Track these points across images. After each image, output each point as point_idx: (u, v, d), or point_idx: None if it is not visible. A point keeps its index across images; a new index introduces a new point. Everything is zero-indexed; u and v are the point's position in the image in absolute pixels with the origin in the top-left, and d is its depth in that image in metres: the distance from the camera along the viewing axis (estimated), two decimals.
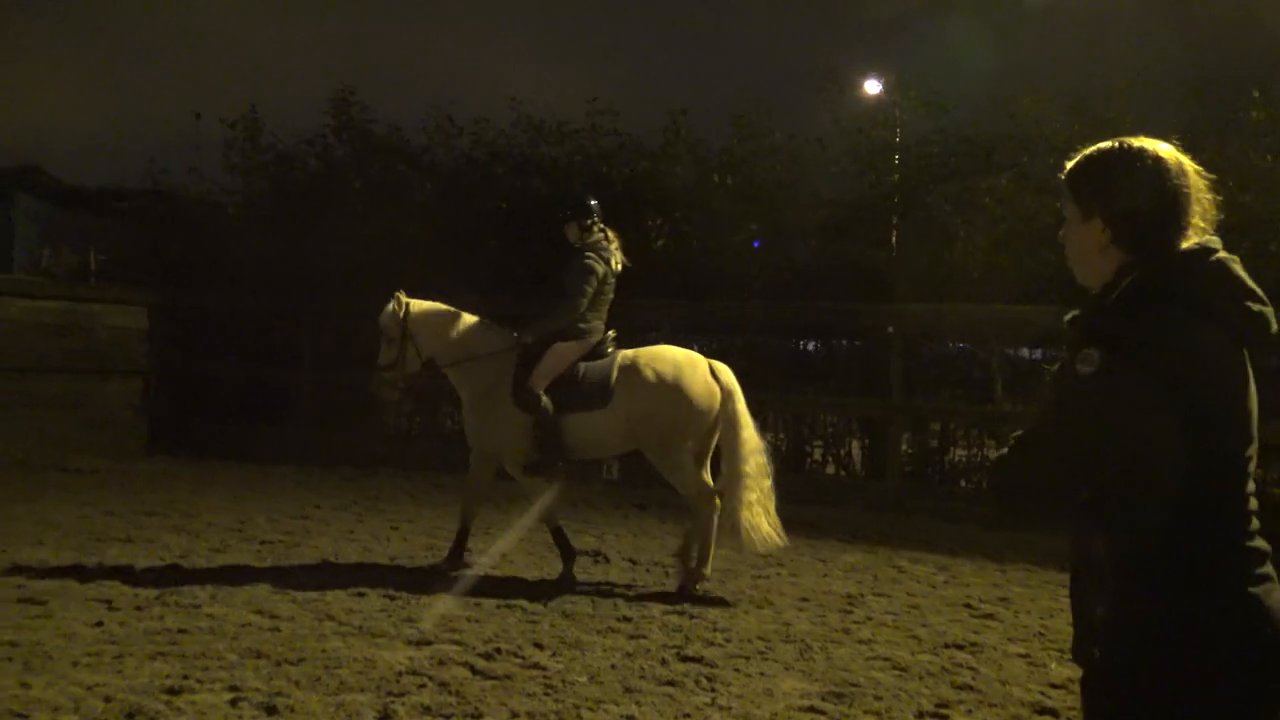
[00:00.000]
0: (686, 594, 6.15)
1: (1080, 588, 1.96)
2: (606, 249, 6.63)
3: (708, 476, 6.59)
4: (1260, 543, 1.84)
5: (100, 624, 5.10)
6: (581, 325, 6.53)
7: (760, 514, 6.24)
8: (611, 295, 6.68)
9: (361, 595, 5.89)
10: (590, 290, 6.48)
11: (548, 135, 12.66)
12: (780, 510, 6.36)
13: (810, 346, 12.08)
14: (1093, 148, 2.03)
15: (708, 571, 6.35)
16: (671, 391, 6.33)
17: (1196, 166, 1.96)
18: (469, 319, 6.79)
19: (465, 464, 6.98)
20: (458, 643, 5.04)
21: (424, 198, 13.10)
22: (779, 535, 6.26)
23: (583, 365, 6.49)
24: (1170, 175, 1.92)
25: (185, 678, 4.33)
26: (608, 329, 6.69)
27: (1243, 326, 1.84)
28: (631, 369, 6.42)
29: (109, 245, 14.64)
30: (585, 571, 6.79)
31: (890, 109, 11.79)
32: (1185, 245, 1.91)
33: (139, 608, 5.43)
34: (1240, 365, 1.84)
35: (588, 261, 6.53)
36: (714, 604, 6.06)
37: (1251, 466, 1.84)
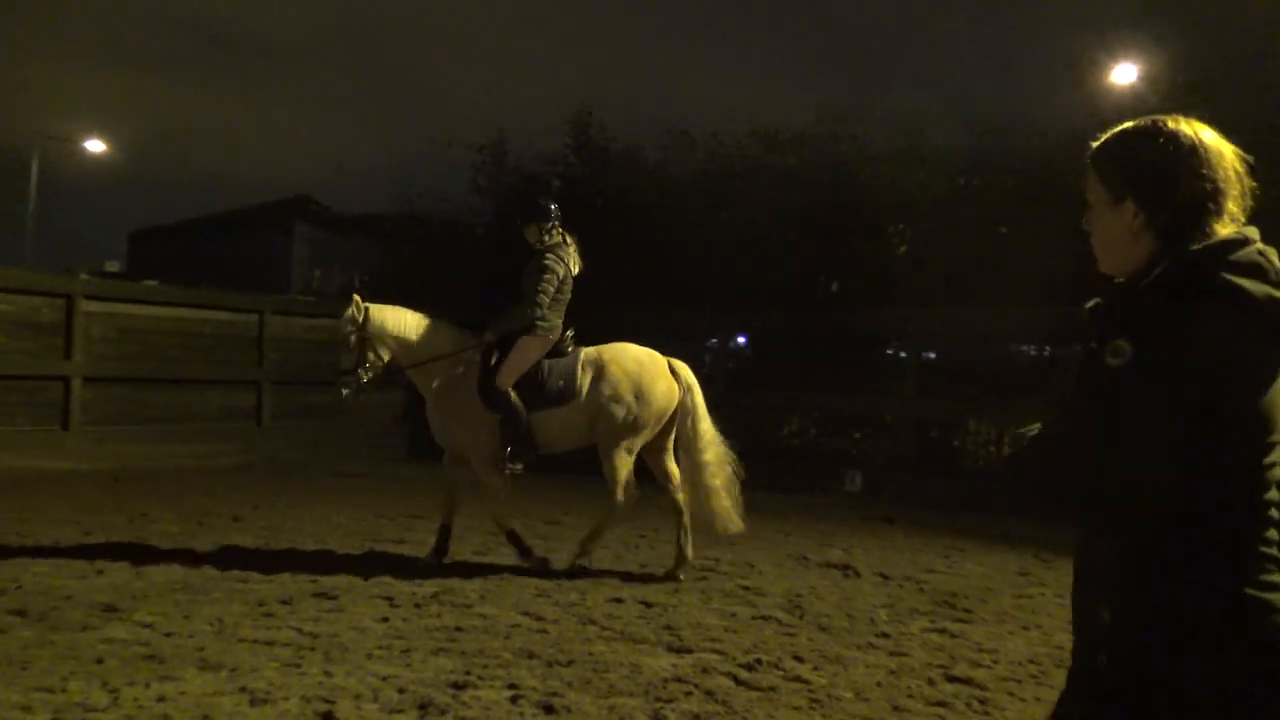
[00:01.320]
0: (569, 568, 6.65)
1: (1084, 590, 1.86)
2: (566, 251, 6.87)
3: (672, 465, 6.97)
4: (1276, 549, 1.71)
5: (386, 619, 5.46)
6: (542, 324, 6.74)
7: (723, 498, 6.78)
8: (569, 296, 6.90)
9: (619, 601, 6.04)
10: (551, 290, 6.74)
11: (783, 144, 12.62)
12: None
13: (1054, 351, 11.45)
14: (1125, 125, 1.87)
15: (590, 547, 6.84)
16: (634, 387, 6.74)
17: (1236, 149, 1.81)
18: (429, 320, 7.01)
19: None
20: (718, 652, 5.07)
21: (660, 213, 13.36)
22: (739, 519, 6.79)
23: (546, 363, 6.75)
24: (1210, 158, 1.78)
25: (467, 673, 4.57)
26: (566, 328, 6.90)
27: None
28: (596, 366, 6.80)
29: (371, 266, 15.77)
30: (837, 586, 6.69)
31: (1145, 98, 11.02)
32: (1222, 233, 1.76)
33: (418, 605, 5.79)
34: (1274, 362, 1.69)
35: (548, 262, 6.77)
36: (976, 623, 5.83)
37: (1278, 473, 1.71)
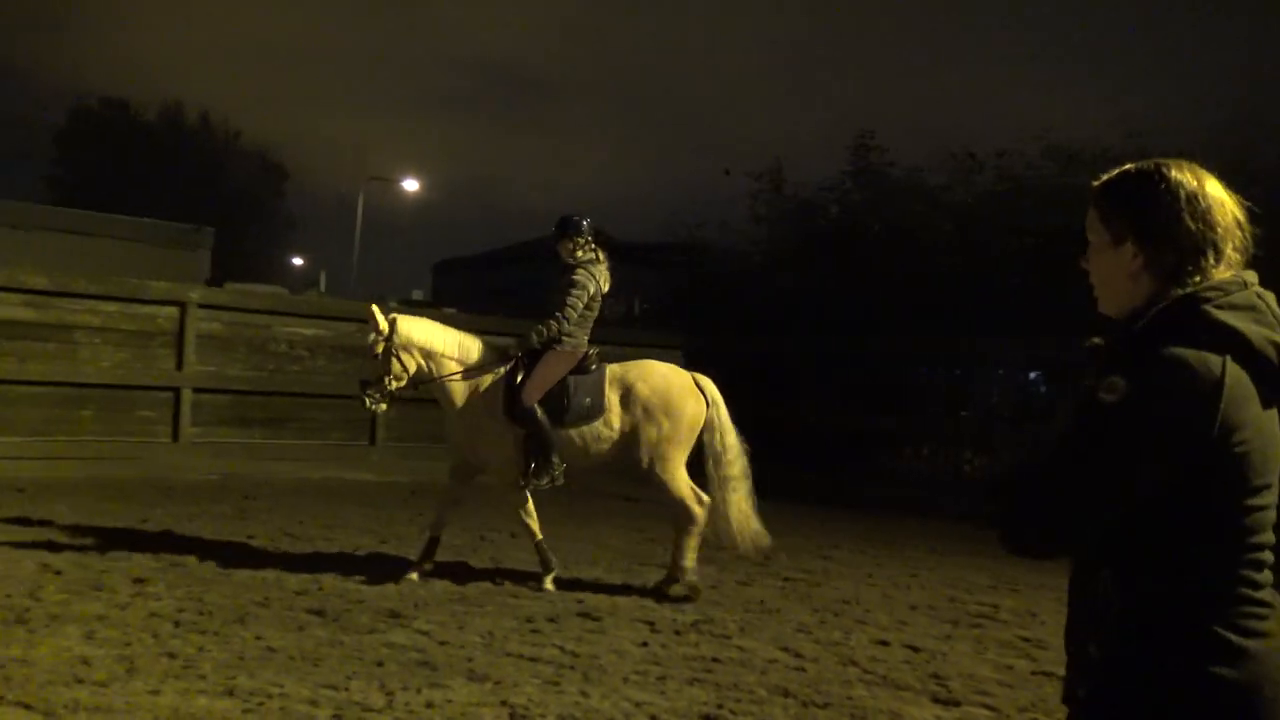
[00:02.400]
0: (691, 592, 6.53)
1: (1075, 623, 1.85)
2: (597, 268, 6.86)
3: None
4: (1268, 594, 1.73)
5: (645, 644, 5.49)
6: (569, 340, 6.75)
7: (749, 513, 6.78)
8: (597, 313, 6.97)
9: (885, 644, 5.76)
10: (580, 305, 6.77)
11: (1084, 164, 11.79)
12: None
13: None
14: (1127, 166, 1.90)
15: (691, 564, 6.65)
16: (664, 404, 6.73)
17: (1238, 197, 1.85)
18: (455, 333, 6.98)
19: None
20: (990, 708, 4.71)
21: (943, 238, 12.83)
22: (765, 532, 6.81)
23: (572, 379, 6.71)
24: (1211, 205, 1.81)
25: (719, 707, 4.49)
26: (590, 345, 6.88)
27: (1276, 365, 1.73)
28: (624, 384, 6.77)
29: (650, 294, 16.20)
30: None
31: None
32: (1220, 277, 1.79)
33: (677, 632, 5.78)
34: (1268, 403, 1.73)
35: (578, 278, 6.79)
36: None
37: (1271, 515, 1.74)
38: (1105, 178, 1.93)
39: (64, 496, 9.01)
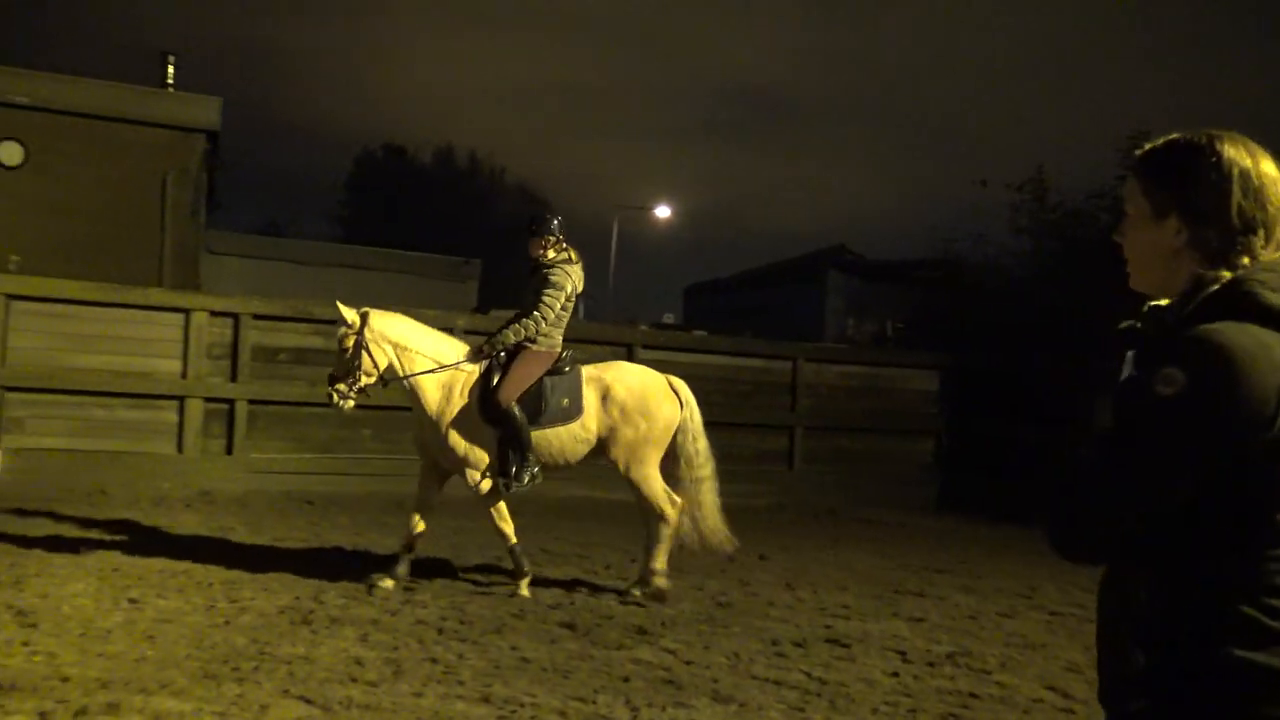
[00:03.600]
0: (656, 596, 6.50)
1: (1113, 631, 1.76)
2: (573, 268, 6.70)
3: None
4: None
5: (896, 675, 5.26)
6: (545, 340, 6.60)
7: (718, 516, 6.90)
8: (570, 313, 6.79)
9: None
10: (558, 305, 6.61)
11: None
12: None
13: None
14: (1175, 136, 1.76)
15: (661, 567, 6.63)
16: (641, 406, 6.67)
17: None
18: (429, 330, 6.80)
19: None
20: None
21: None
22: (732, 537, 6.98)
23: (549, 380, 6.57)
24: (1265, 183, 1.69)
25: None
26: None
27: None
28: (601, 385, 6.69)
29: (904, 313, 15.72)
30: None
31: None
32: (1270, 259, 1.68)
33: (931, 664, 5.50)
34: None
35: (555, 278, 6.62)
36: None
37: None
38: (1149, 146, 1.81)
39: (346, 509, 9.77)
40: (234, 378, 10.95)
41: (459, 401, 6.56)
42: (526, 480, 6.53)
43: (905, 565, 8.75)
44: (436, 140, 60.42)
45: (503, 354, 6.62)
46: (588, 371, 6.82)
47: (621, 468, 6.77)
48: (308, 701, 4.29)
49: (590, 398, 6.69)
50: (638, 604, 6.51)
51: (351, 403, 6.56)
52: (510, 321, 6.73)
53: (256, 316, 11.04)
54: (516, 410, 6.47)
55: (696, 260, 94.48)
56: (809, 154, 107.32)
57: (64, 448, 10.38)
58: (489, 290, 32.00)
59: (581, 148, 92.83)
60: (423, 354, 6.60)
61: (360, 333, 6.50)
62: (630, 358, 13.00)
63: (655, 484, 6.79)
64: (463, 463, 6.62)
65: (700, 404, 13.35)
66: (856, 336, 15.07)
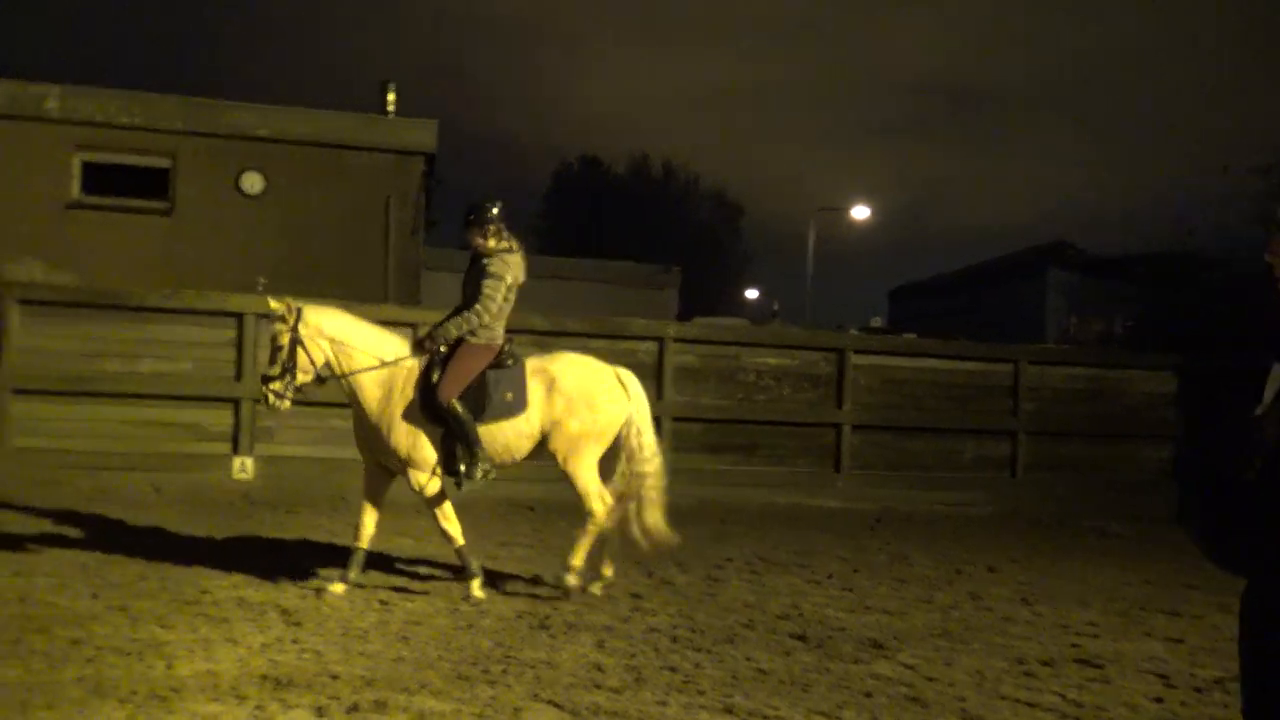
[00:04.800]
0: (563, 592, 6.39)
1: (1262, 638, 1.65)
2: (513, 258, 6.48)
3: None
4: None
5: (1160, 700, 4.92)
6: (485, 332, 6.38)
7: (658, 512, 6.61)
8: (512, 305, 6.55)
9: None
10: (499, 297, 6.38)
11: None
12: None
13: None
14: None
15: (578, 564, 6.45)
16: (587, 399, 6.47)
17: None
18: (366, 325, 6.53)
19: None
20: None
21: None
22: (671, 532, 6.66)
23: (491, 374, 6.36)
24: None
25: None
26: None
27: None
28: (546, 378, 6.47)
29: (1132, 311, 14.78)
30: None
31: None
32: None
33: (1198, 690, 5.11)
34: None
35: (494, 269, 6.39)
36: None
37: None
38: None
39: (566, 515, 10.00)
40: None
41: (400, 399, 6.35)
42: (479, 476, 6.29)
43: (1150, 580, 8.20)
44: (631, 150, 61.57)
45: (444, 349, 6.39)
46: (532, 364, 6.56)
47: (560, 459, 6.51)
48: (557, 706, 4.39)
49: (535, 390, 6.45)
50: (550, 595, 6.46)
51: (288, 403, 6.33)
52: (450, 315, 6.49)
53: None
54: (459, 406, 6.25)
55: (898, 261, 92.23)
56: (1011, 146, 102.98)
57: (307, 455, 11.13)
58: (688, 297, 32.28)
59: (774, 150, 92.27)
60: (362, 350, 6.38)
61: (295, 329, 6.26)
62: (841, 363, 12.80)
63: (589, 479, 6.53)
64: (406, 463, 6.42)
65: (913, 408, 13.14)
66: (1080, 336, 14.25)
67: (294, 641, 5.20)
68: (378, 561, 7.27)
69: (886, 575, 7.95)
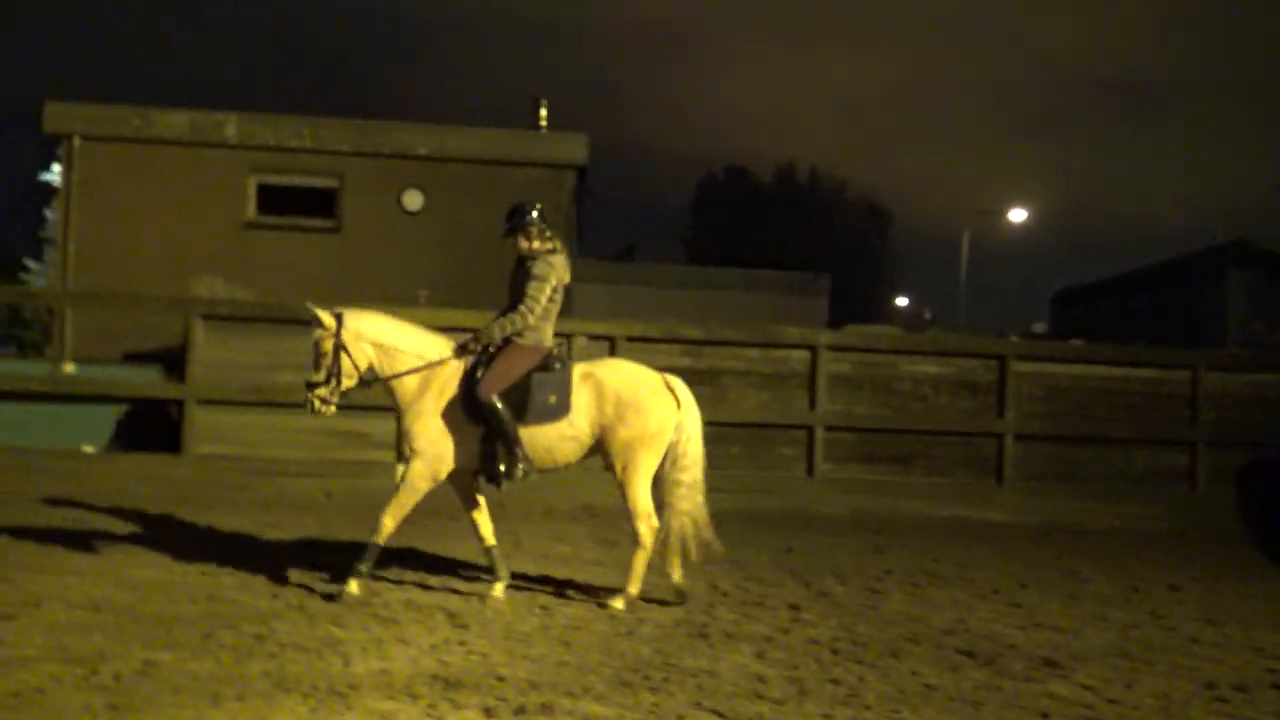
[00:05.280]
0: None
1: None
2: (557, 259, 6.43)
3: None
4: None
5: None
6: (531, 334, 6.36)
7: (690, 525, 6.40)
8: (560, 306, 6.51)
9: None
10: (544, 298, 6.35)
11: None
12: None
13: None
14: None
15: (635, 592, 6.34)
16: (634, 404, 6.32)
17: None
18: (409, 327, 6.52)
19: None
20: None
21: None
22: (694, 550, 6.40)
23: (536, 376, 6.30)
24: None
25: None
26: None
27: None
28: (593, 383, 6.35)
29: None
30: None
31: None
32: None
33: None
34: None
35: (538, 270, 6.36)
36: None
37: None
38: None
39: (715, 525, 9.97)
40: None
41: (438, 395, 6.35)
42: (519, 475, 6.27)
43: None
44: (777, 158, 61.15)
45: (490, 349, 6.37)
46: (580, 369, 6.47)
47: (617, 470, 6.39)
48: (720, 715, 4.36)
49: (582, 395, 6.34)
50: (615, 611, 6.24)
51: (333, 408, 6.37)
52: (496, 316, 6.47)
53: (630, 339, 11.60)
54: (498, 404, 6.19)
55: (1057, 265, 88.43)
56: (1181, 141, 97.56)
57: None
58: (837, 305, 31.78)
59: (922, 153, 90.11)
60: (405, 351, 6.39)
61: (337, 334, 6.30)
62: (1003, 371, 12.35)
63: (642, 498, 6.38)
64: (412, 451, 6.38)
65: (1081, 417, 12.56)
66: (1269, 339, 13.33)
67: (461, 643, 5.34)
68: (536, 565, 7.41)
69: (1057, 591, 7.60)
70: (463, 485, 6.61)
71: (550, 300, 6.42)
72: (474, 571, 7.08)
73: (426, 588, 6.62)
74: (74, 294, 16.26)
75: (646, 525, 6.35)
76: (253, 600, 6.09)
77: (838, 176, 54.36)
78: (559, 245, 6.56)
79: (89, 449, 11.80)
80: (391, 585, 6.61)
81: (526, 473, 6.28)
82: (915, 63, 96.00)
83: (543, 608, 6.23)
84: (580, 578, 7.17)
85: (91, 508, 9.06)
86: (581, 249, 23.58)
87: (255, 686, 4.50)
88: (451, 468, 6.37)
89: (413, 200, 17.84)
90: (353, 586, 6.20)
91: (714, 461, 11.51)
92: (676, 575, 6.52)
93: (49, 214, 17.89)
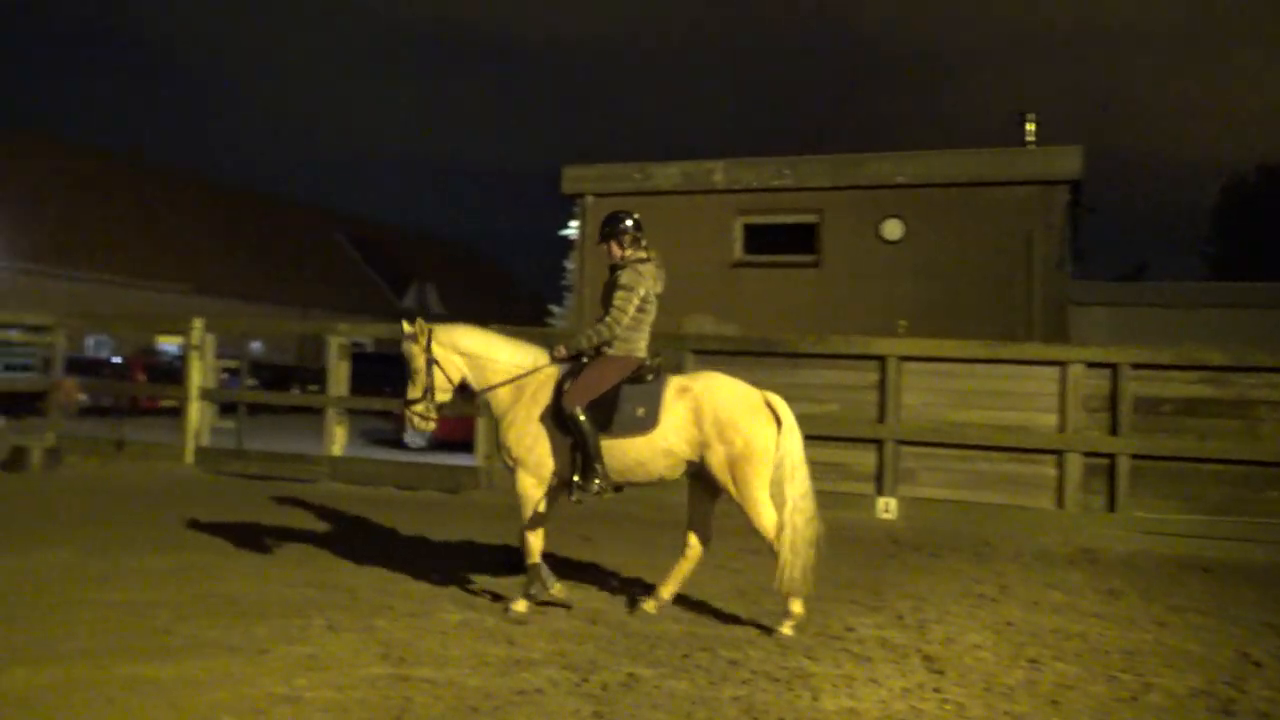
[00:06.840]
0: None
1: None
2: (647, 267, 6.32)
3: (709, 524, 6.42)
4: None
5: None
6: (622, 345, 6.25)
7: (808, 547, 6.03)
8: (653, 316, 6.38)
9: None
10: (631, 308, 6.24)
11: None
12: None
13: None
14: None
15: (799, 611, 6.06)
16: (731, 421, 6.07)
17: None
18: (499, 338, 6.50)
19: None
20: None
21: None
22: (800, 587, 6.00)
23: (626, 388, 6.16)
24: None
25: None
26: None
27: None
28: (689, 398, 6.16)
29: None
30: None
31: None
32: None
33: None
34: None
35: (626, 280, 6.27)
36: None
37: None
38: None
39: (1251, 580, 8.54)
40: (1114, 430, 10.44)
41: (531, 403, 6.31)
42: (594, 489, 6.08)
43: None
44: None
45: (583, 359, 6.31)
46: (676, 382, 6.29)
47: (730, 489, 6.11)
48: None
49: (676, 410, 6.14)
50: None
51: (433, 424, 6.40)
52: (586, 326, 6.40)
53: (1136, 366, 10.41)
54: (582, 414, 6.07)
55: None
56: None
57: (950, 498, 10.93)
58: None
59: None
60: (497, 362, 6.40)
61: (428, 349, 6.36)
62: None
63: (763, 509, 6.06)
64: (515, 462, 6.31)
65: None
66: None
67: (935, 690, 5.02)
68: (1024, 613, 6.82)
69: None
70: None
71: (640, 310, 6.35)
72: (952, 615, 6.67)
73: (904, 628, 6.34)
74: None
75: (774, 528, 6.05)
76: (726, 629, 6.20)
77: None
78: (652, 254, 6.47)
79: None
80: (867, 623, 6.42)
81: (603, 489, 6.15)
82: None
83: (1030, 661, 5.67)
84: (1075, 628, 6.46)
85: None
86: (1081, 270, 21.84)
87: (726, 712, 4.54)
88: (553, 470, 6.29)
89: (892, 229, 17.62)
90: (520, 605, 6.26)
91: (1243, 508, 10.02)
92: (797, 606, 6.06)
93: (568, 264, 20.16)
